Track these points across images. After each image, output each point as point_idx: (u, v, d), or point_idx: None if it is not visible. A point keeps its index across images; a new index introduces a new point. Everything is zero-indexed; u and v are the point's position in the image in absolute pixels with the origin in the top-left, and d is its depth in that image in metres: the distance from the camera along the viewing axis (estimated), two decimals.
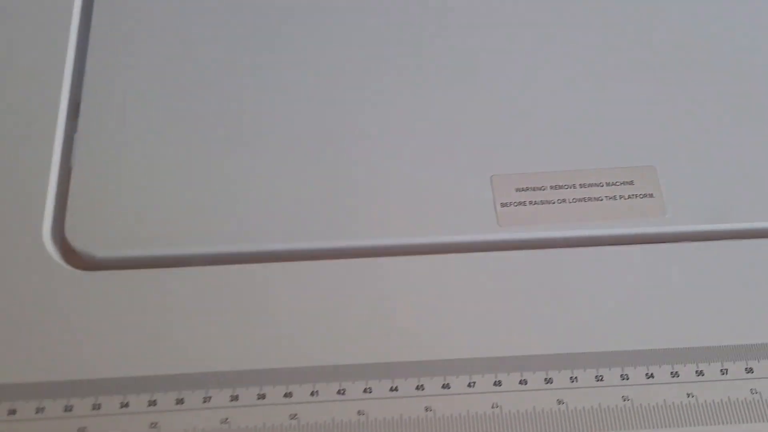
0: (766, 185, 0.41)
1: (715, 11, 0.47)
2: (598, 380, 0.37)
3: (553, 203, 0.41)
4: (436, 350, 0.37)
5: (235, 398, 0.35)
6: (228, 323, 0.38)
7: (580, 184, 0.42)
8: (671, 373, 0.37)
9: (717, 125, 0.43)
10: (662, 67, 0.45)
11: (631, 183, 0.42)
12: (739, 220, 0.41)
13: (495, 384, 0.36)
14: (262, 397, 0.35)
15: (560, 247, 0.41)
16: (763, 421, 0.36)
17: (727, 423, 0.36)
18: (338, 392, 0.36)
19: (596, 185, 0.42)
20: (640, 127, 0.43)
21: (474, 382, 0.36)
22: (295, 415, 0.35)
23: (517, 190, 0.42)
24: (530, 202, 0.41)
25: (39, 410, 0.34)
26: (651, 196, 0.41)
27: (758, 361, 0.37)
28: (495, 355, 0.37)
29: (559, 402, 0.36)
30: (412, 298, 0.39)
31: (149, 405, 0.35)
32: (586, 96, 0.44)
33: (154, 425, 0.34)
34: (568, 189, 0.42)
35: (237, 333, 0.37)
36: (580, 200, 0.41)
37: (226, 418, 0.35)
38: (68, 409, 0.35)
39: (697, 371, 0.37)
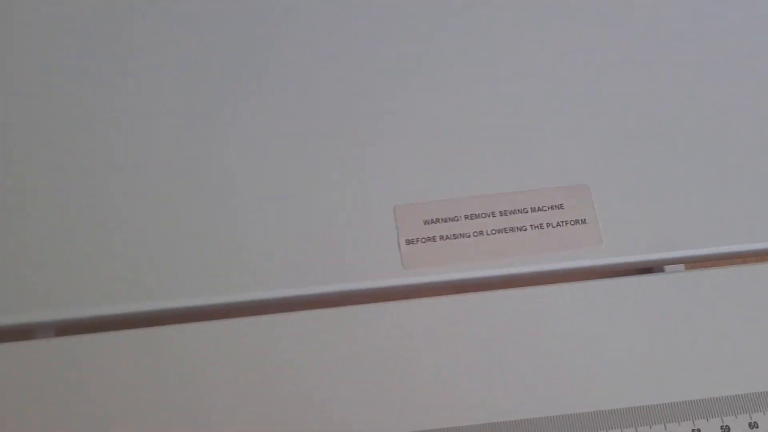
0: (713, 207, 0.35)
1: (648, 22, 0.40)
2: None
3: (469, 237, 0.34)
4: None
5: None
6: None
7: (500, 212, 0.35)
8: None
9: (658, 139, 0.37)
10: (590, 75, 0.38)
11: (560, 207, 0.35)
12: (686, 247, 0.34)
13: None
14: None
15: (478, 290, 0.34)
16: None
17: None
18: None
19: (520, 212, 0.35)
20: (568, 143, 0.36)
21: None
22: None
23: (426, 222, 0.35)
24: (441, 237, 0.34)
25: None
26: (584, 221, 0.35)
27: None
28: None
29: None
30: (290, 358, 0.32)
31: None
32: (506, 110, 0.37)
33: None
34: (487, 218, 0.35)
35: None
36: (501, 231, 0.35)
37: None
38: None
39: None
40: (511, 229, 0.35)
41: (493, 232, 0.34)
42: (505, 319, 0.33)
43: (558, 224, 0.35)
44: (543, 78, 0.37)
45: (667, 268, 0.35)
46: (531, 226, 0.35)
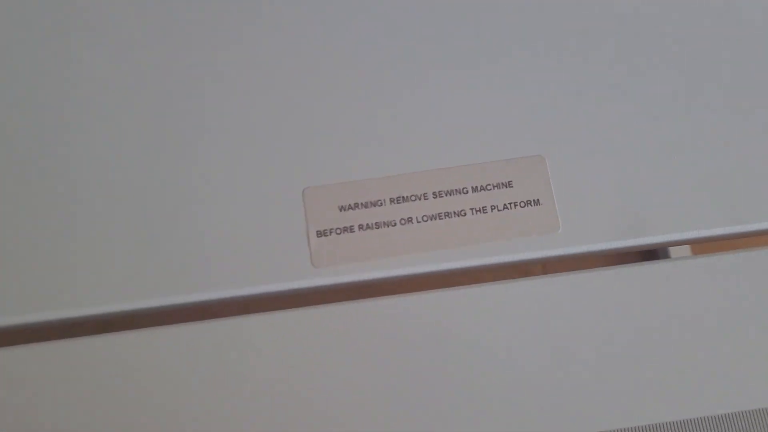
0: (692, 185, 0.28)
1: None
2: None
3: (395, 225, 0.28)
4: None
5: None
6: None
7: (434, 193, 0.28)
8: None
9: (627, 102, 0.29)
10: (542, 28, 0.31)
11: (508, 185, 0.28)
12: (657, 232, 0.28)
13: None
14: None
15: (407, 292, 0.28)
16: None
17: None
18: None
19: (458, 192, 0.28)
20: (518, 106, 0.29)
21: None
22: None
23: (342, 208, 0.28)
24: (360, 227, 0.28)
25: None
26: (537, 202, 0.28)
27: None
28: None
29: None
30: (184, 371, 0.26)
31: None
32: (439, 70, 0.30)
33: None
34: (417, 201, 0.28)
35: None
36: (434, 217, 0.28)
37: None
38: None
39: None
40: (447, 215, 0.28)
41: (425, 218, 0.28)
42: (441, 327, 0.27)
43: (505, 206, 0.28)
44: (483, 32, 0.30)
45: (672, 252, 0.29)
46: (472, 210, 0.28)
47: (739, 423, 0.26)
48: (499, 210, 0.28)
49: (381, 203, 0.28)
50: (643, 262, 0.28)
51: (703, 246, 0.30)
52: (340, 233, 0.28)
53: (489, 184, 0.28)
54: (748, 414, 0.26)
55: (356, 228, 0.28)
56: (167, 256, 0.28)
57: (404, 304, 0.27)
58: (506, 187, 0.28)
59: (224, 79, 0.29)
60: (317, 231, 0.28)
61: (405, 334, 0.27)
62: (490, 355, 0.27)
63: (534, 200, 0.28)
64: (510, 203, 0.28)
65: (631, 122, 0.29)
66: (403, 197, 0.28)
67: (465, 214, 0.28)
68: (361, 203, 0.28)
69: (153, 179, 0.28)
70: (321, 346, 0.27)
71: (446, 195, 0.28)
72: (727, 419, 0.26)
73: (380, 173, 0.28)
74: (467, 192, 0.28)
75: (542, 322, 0.27)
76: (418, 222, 0.28)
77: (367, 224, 0.28)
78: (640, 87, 0.29)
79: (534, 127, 0.29)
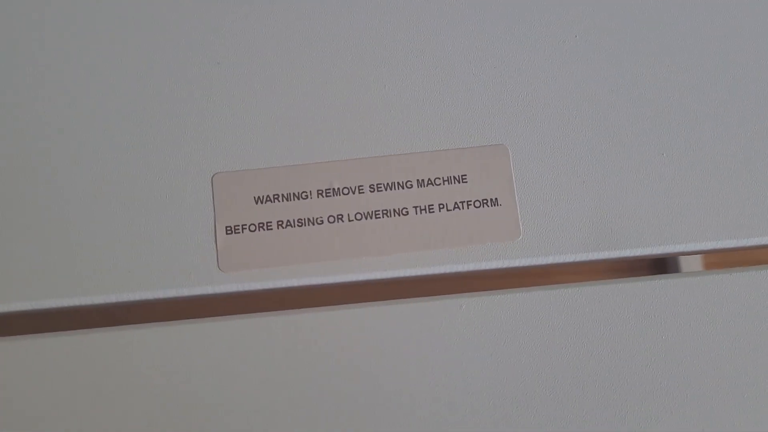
0: (677, 189, 0.24)
1: None
2: None
3: (322, 223, 0.23)
4: None
5: None
6: None
7: (371, 186, 0.23)
8: None
9: (604, 86, 0.24)
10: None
11: (461, 180, 0.23)
12: (628, 245, 0.23)
13: None
14: None
15: (333, 304, 0.23)
16: None
17: None
18: None
19: (400, 186, 0.23)
20: (476, 86, 0.24)
21: None
22: None
23: (258, 200, 0.23)
24: (280, 224, 0.23)
25: None
26: (495, 202, 0.23)
27: None
28: None
29: None
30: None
31: None
32: (381, 41, 0.25)
33: None
34: (350, 195, 0.23)
35: None
36: (370, 215, 0.23)
37: None
38: None
39: None
40: (386, 213, 0.23)
41: (359, 216, 0.23)
42: (372, 348, 0.23)
43: (456, 206, 0.23)
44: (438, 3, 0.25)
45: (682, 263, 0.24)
46: (416, 208, 0.23)
47: None
48: (449, 210, 0.23)
49: (306, 195, 0.23)
50: (614, 281, 0.23)
51: (689, 260, 0.26)
52: (254, 230, 0.23)
53: (438, 178, 0.23)
54: None
55: (274, 225, 0.23)
56: (49, 256, 0.22)
57: (329, 320, 0.23)
58: (459, 182, 0.23)
59: (124, 52, 0.24)
60: (226, 227, 0.23)
61: (327, 357, 0.22)
62: (425, 386, 0.22)
63: (492, 199, 0.23)
64: (462, 202, 0.23)
65: (616, 114, 0.24)
66: (333, 189, 0.23)
67: (407, 213, 0.23)
68: (282, 195, 0.23)
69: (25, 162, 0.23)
70: (225, 366, 0.22)
71: (386, 189, 0.23)
72: None
73: (306, 159, 0.23)
74: (411, 186, 0.23)
75: (490, 345, 0.23)
76: (351, 220, 0.23)
77: (288, 221, 0.23)
78: (627, 75, 0.24)
79: (495, 110, 0.24)
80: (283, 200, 0.23)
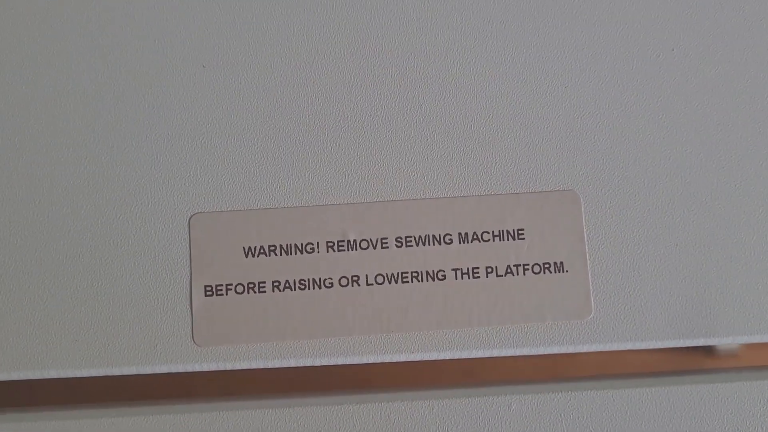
0: None
1: None
2: None
3: (331, 286, 0.17)
4: None
5: None
6: None
7: (397, 239, 0.18)
8: None
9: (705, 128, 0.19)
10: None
11: (517, 236, 0.18)
12: (734, 331, 0.18)
13: None
14: None
15: (334, 393, 0.18)
16: None
17: None
18: None
19: (436, 240, 0.18)
20: (539, 121, 0.18)
21: None
22: None
23: (248, 252, 0.18)
24: (276, 285, 0.17)
25: None
26: (560, 268, 0.18)
27: None
28: None
29: None
30: None
31: None
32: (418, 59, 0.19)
33: None
34: (370, 251, 0.18)
35: None
36: (394, 278, 0.18)
37: None
38: None
39: None
40: (417, 276, 0.18)
41: (380, 279, 0.17)
42: None
43: (509, 270, 0.18)
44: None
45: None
46: (456, 271, 0.18)
47: None
48: (498, 275, 0.18)
49: (312, 248, 0.18)
50: (712, 372, 0.18)
51: None
52: (242, 292, 0.17)
53: (486, 232, 0.18)
54: None
55: (269, 285, 0.17)
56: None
57: (336, 415, 0.17)
58: (513, 238, 0.18)
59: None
60: (206, 286, 0.17)
61: None
62: None
63: (556, 264, 0.18)
64: (518, 266, 0.18)
65: (725, 155, 0.18)
66: (348, 242, 0.18)
67: (444, 278, 0.18)
68: (280, 246, 0.18)
69: None
70: None
71: (417, 243, 0.18)
72: None
73: (314, 199, 0.18)
74: (451, 241, 0.18)
75: None
76: (369, 284, 0.17)
77: (287, 281, 0.17)
78: (745, 101, 0.19)
79: (563, 145, 0.18)
80: (281, 253, 0.17)
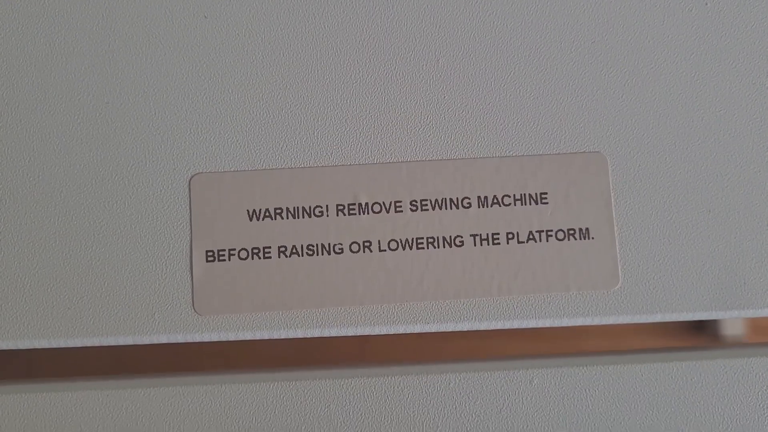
0: None
1: None
2: None
3: (341, 252, 0.16)
4: None
5: None
6: None
7: (412, 203, 0.17)
8: None
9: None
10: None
11: (540, 200, 0.17)
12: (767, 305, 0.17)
13: None
14: None
15: (343, 366, 0.16)
16: None
17: None
18: None
19: (453, 204, 0.17)
20: (562, 75, 0.17)
21: None
22: None
23: (252, 215, 0.16)
24: (282, 250, 0.16)
25: None
26: (586, 234, 0.17)
27: None
28: None
29: None
30: None
31: None
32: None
33: None
34: (383, 214, 0.17)
35: None
36: (408, 244, 0.16)
37: None
38: None
39: None
40: (432, 242, 0.16)
41: (393, 245, 0.16)
42: (404, 429, 0.16)
43: (531, 236, 0.16)
44: None
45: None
46: (474, 237, 0.16)
47: None
48: (520, 241, 0.16)
49: (321, 212, 0.16)
50: (747, 348, 0.17)
51: None
52: (245, 258, 0.16)
53: (507, 195, 0.17)
54: None
55: (274, 251, 0.16)
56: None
57: (345, 388, 0.16)
58: (536, 202, 0.17)
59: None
60: (207, 251, 0.16)
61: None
62: None
63: (581, 230, 0.16)
64: (540, 231, 0.16)
65: (763, 116, 0.17)
66: (359, 205, 0.16)
67: (462, 244, 0.16)
68: (287, 209, 0.16)
69: None
70: None
71: (433, 207, 0.16)
72: None
73: (323, 160, 0.17)
74: (470, 205, 0.17)
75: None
76: (382, 250, 0.16)
77: (294, 247, 0.16)
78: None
79: (589, 103, 0.17)
80: (287, 217, 0.16)
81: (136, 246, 0.16)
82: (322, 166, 0.17)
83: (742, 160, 0.17)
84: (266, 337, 0.16)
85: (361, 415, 0.16)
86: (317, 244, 0.16)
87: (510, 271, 0.16)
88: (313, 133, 0.17)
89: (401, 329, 0.16)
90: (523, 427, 0.16)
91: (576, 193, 0.17)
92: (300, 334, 0.16)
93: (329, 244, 0.16)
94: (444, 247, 0.16)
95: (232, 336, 0.16)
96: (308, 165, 0.17)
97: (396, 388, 0.16)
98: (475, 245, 0.16)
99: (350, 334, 0.16)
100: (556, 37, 0.17)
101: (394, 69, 0.17)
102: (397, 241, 0.16)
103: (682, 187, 0.17)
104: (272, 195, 0.16)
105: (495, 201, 0.17)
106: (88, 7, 0.17)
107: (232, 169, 0.16)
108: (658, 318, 0.17)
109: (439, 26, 0.17)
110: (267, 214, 0.16)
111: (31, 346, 0.16)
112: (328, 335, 0.16)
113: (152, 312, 0.16)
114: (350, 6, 0.17)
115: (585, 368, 0.16)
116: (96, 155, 0.16)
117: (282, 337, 0.16)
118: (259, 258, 0.16)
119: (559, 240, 0.17)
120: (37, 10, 0.17)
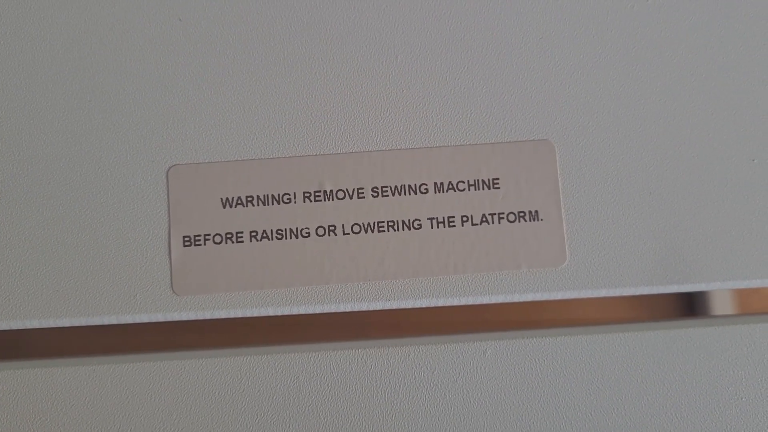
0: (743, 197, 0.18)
1: None
2: None
3: (308, 236, 0.18)
4: None
5: None
6: None
7: (373, 189, 0.18)
8: None
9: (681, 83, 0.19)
10: None
11: (492, 185, 0.18)
12: (707, 277, 0.18)
13: None
14: None
15: (311, 341, 0.18)
16: None
17: None
18: None
19: (412, 190, 0.18)
20: (515, 71, 0.18)
21: None
22: None
23: (226, 203, 0.18)
24: (253, 234, 0.18)
25: None
26: (535, 216, 0.18)
27: None
28: None
29: None
30: None
31: None
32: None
33: None
34: (347, 200, 0.18)
35: None
36: (370, 227, 0.18)
37: None
38: None
39: None
40: (393, 225, 0.18)
41: (357, 228, 0.18)
42: (368, 400, 0.17)
43: (484, 219, 0.18)
44: None
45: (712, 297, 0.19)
46: (431, 220, 0.18)
47: None
48: (474, 223, 0.18)
49: (289, 199, 0.18)
50: (685, 321, 0.18)
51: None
52: (219, 242, 0.18)
53: (462, 182, 0.18)
54: None
55: (246, 236, 0.18)
56: None
57: (313, 362, 0.18)
58: (489, 187, 0.18)
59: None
60: (184, 237, 0.18)
61: (309, 411, 0.17)
62: None
63: (531, 212, 0.18)
64: (493, 214, 0.18)
65: (696, 105, 0.18)
66: (324, 192, 0.18)
67: (420, 227, 0.18)
68: (258, 197, 0.18)
69: None
70: (173, 415, 0.17)
71: (393, 193, 0.18)
72: None
73: (290, 150, 0.18)
74: (426, 191, 0.18)
75: (520, 403, 0.17)
76: (346, 234, 0.18)
77: (264, 231, 0.18)
78: (714, 51, 0.19)
79: (538, 94, 0.18)
80: (258, 204, 0.18)
81: (119, 233, 0.18)
82: (290, 156, 0.18)
83: (680, 145, 0.18)
84: (240, 315, 0.18)
85: (326, 386, 0.17)
86: (286, 229, 0.18)
87: (465, 252, 0.18)
88: (281, 126, 0.18)
89: (364, 306, 0.18)
90: (477, 395, 0.17)
91: (526, 178, 0.18)
92: (271, 312, 0.18)
93: (297, 228, 0.18)
94: (403, 230, 0.18)
95: (208, 315, 0.18)
96: (277, 156, 0.18)
97: (360, 360, 0.17)
98: (432, 228, 0.18)
99: (317, 312, 0.18)
100: (506, 33, 0.18)
101: (356, 66, 0.18)
102: (360, 225, 0.18)
103: (625, 171, 0.18)
104: (244, 184, 0.18)
105: (450, 187, 0.18)
106: (68, 6, 0.18)
107: (206, 161, 0.18)
108: (603, 293, 0.18)
109: (397, 23, 0.18)
110: (239, 201, 0.18)
111: (22, 327, 0.18)
112: (297, 313, 0.18)
113: (134, 293, 0.17)
114: (313, 3, 0.18)
115: (534, 340, 0.18)
116: (81, 149, 0.18)
117: (255, 315, 0.18)
118: (233, 242, 0.18)
119: (511, 222, 0.18)
120: (18, 11, 0.18)
